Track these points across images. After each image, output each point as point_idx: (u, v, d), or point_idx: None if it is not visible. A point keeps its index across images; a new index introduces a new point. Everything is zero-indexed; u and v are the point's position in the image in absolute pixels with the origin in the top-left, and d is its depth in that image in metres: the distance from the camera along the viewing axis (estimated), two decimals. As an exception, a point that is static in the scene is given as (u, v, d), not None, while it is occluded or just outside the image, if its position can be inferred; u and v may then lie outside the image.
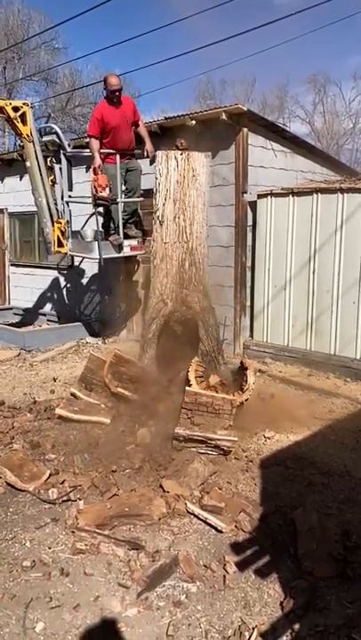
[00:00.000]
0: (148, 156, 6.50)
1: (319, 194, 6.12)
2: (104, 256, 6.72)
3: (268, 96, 29.21)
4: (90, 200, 6.76)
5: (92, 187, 6.26)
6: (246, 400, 4.60)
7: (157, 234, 5.71)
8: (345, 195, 5.90)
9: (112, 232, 6.69)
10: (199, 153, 5.66)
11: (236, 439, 4.00)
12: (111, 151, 6.38)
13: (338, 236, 5.97)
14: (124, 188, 6.68)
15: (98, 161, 6.19)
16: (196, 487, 3.50)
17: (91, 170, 6.38)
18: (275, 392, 5.34)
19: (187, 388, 4.35)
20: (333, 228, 5.99)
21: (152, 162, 5.94)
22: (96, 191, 6.15)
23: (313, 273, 6.24)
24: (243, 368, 4.87)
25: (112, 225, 6.67)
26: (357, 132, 27.35)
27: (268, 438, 4.39)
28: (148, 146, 6.50)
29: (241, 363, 4.98)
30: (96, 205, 6.34)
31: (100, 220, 6.76)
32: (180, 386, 4.99)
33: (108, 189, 6.20)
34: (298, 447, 4.25)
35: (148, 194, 6.44)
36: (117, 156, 6.43)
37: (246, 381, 4.70)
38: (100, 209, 6.64)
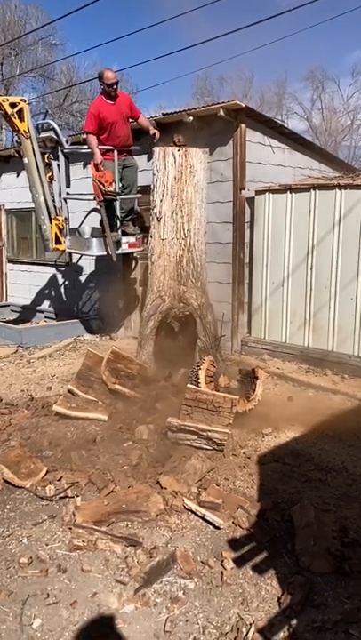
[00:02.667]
0: (154, 135, 6.47)
1: (317, 190, 6.11)
2: (101, 253, 6.71)
3: (266, 92, 29.19)
4: (88, 197, 6.74)
5: (96, 183, 6.22)
6: (250, 410, 4.58)
7: (155, 230, 5.70)
8: (343, 191, 5.89)
9: (119, 228, 6.67)
10: (197, 149, 5.65)
11: (227, 431, 3.97)
12: (109, 147, 6.36)
13: (336, 233, 5.96)
14: (120, 184, 6.65)
15: (99, 157, 6.17)
16: (193, 484, 3.50)
17: (91, 166, 6.35)
18: (292, 395, 5.31)
19: (188, 385, 4.34)
20: (331, 224, 5.98)
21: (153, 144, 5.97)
22: (103, 186, 6.13)
23: (311, 269, 6.24)
24: (254, 376, 4.83)
25: (116, 220, 6.64)
26: (355, 128, 27.38)
27: (266, 435, 4.40)
28: (152, 129, 6.49)
29: (253, 370, 4.93)
30: (104, 201, 6.31)
31: (101, 217, 6.72)
32: (182, 382, 4.98)
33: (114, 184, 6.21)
34: (295, 443, 4.25)
35: (146, 190, 6.43)
36: (115, 153, 6.41)
37: (254, 390, 4.68)
38: (98, 207, 6.61)
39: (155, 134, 6.47)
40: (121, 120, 6.33)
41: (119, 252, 6.81)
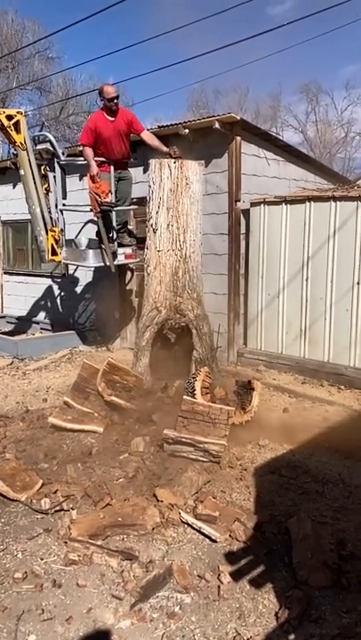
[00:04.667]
0: (172, 155, 5.85)
1: (312, 202, 6.15)
2: (97, 264, 6.71)
3: (261, 105, 29.52)
4: (84, 208, 6.75)
5: (92, 194, 6.22)
6: (247, 421, 4.57)
7: (151, 242, 5.71)
8: (337, 203, 5.93)
9: (115, 239, 6.67)
10: (192, 161, 5.68)
11: (224, 443, 3.95)
12: (104, 160, 6.39)
13: (331, 244, 5.99)
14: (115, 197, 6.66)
15: (95, 169, 6.18)
16: (190, 496, 3.47)
17: (87, 178, 6.36)
18: (289, 407, 5.30)
19: (184, 396, 4.33)
20: (326, 235, 6.02)
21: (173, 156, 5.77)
22: (99, 197, 6.14)
23: (306, 281, 6.26)
24: (250, 388, 4.82)
25: (113, 232, 6.63)
26: (349, 140, 27.68)
27: (263, 446, 4.38)
28: (166, 149, 6.03)
29: (249, 382, 4.92)
30: (101, 212, 6.32)
31: (97, 228, 6.72)
32: (178, 394, 4.96)
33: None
34: (292, 455, 4.24)
35: (142, 202, 6.45)
36: (112, 167, 6.44)
37: (251, 402, 4.67)
38: (95, 218, 6.62)
39: (174, 152, 5.84)
40: (117, 137, 6.30)
41: (115, 263, 6.82)
